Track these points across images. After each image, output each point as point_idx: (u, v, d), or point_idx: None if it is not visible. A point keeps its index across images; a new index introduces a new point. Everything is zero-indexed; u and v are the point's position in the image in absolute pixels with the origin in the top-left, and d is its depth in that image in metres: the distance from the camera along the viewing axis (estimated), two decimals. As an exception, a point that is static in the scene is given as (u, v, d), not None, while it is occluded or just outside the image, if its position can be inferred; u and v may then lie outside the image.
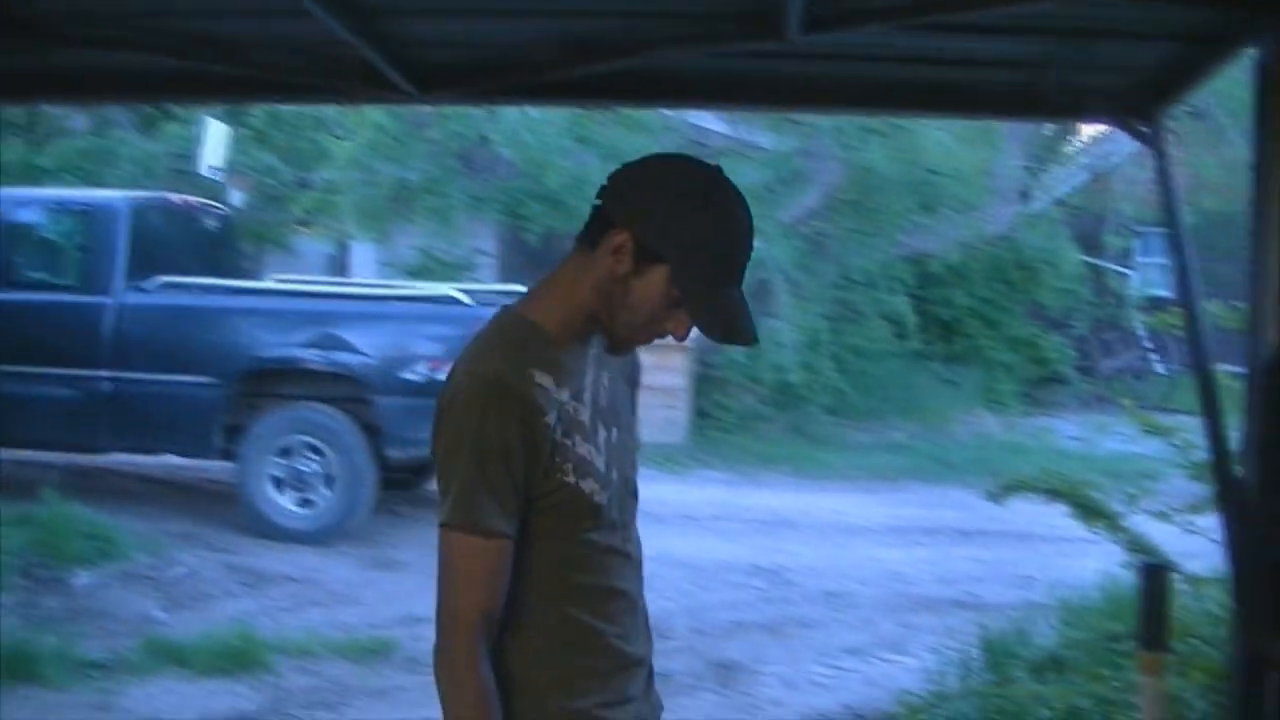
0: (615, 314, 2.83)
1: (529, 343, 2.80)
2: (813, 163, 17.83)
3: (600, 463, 2.86)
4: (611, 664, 2.92)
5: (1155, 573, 3.47)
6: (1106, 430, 16.38)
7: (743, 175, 17.85)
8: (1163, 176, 4.21)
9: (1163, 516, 6.59)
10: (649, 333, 2.87)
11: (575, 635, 2.86)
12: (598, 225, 2.82)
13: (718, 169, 2.86)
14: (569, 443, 2.78)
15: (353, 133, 18.22)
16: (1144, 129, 4.28)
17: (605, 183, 2.87)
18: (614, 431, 2.94)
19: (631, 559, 2.97)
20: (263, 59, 4.27)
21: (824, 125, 17.00)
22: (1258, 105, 3.61)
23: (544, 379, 2.76)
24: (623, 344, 2.90)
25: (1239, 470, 3.67)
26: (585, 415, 2.84)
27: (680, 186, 2.80)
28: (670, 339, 2.90)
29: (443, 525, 2.75)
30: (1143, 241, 22.04)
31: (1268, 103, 3.51)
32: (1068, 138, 23.07)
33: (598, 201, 2.85)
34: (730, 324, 2.84)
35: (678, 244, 2.75)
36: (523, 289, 11.36)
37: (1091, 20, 3.78)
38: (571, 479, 2.79)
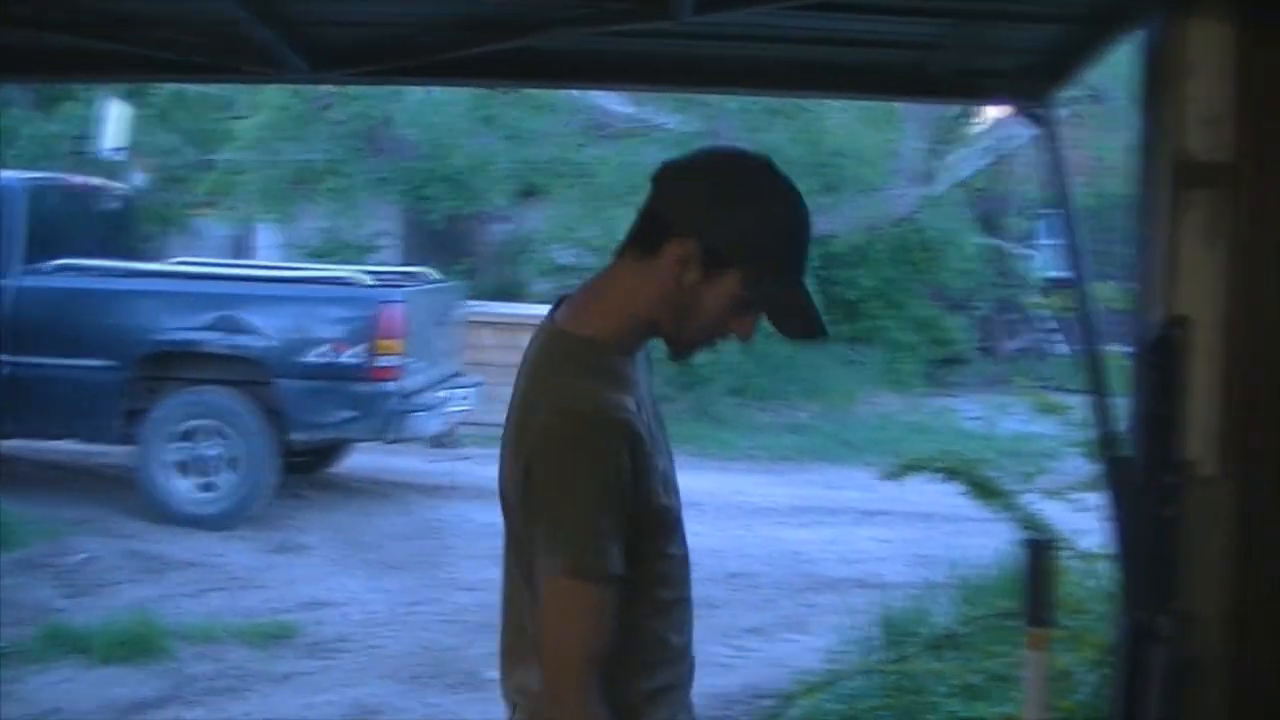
0: (682, 323, 2.77)
1: (603, 366, 2.73)
2: (717, 143, 17.85)
3: (670, 473, 2.82)
4: (684, 675, 2.90)
5: (1038, 548, 3.52)
6: (1007, 410, 16.53)
7: (647, 156, 17.95)
8: (1054, 158, 4.25)
9: (1055, 495, 6.67)
10: (714, 337, 2.83)
11: (660, 652, 2.81)
12: (653, 232, 2.74)
13: (768, 160, 2.80)
14: (653, 462, 2.72)
15: (255, 113, 18.09)
16: (1036, 111, 4.32)
17: (654, 185, 2.79)
18: (663, 435, 2.87)
19: (689, 563, 2.92)
20: (158, 37, 4.23)
21: (728, 106, 17.05)
22: (1144, 86, 3.65)
23: (629, 402, 2.69)
24: (687, 351, 2.84)
25: (1126, 448, 3.72)
26: (653, 428, 2.78)
27: (740, 186, 2.73)
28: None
29: (559, 574, 2.62)
30: (1045, 223, 22.24)
31: (1154, 84, 3.55)
32: (970, 120, 23.24)
33: (647, 204, 2.78)
34: (805, 321, 2.79)
35: (748, 248, 2.70)
36: (426, 270, 11.33)
37: (984, 2, 3.81)
38: (661, 498, 2.74)
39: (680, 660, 2.88)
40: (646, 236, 2.76)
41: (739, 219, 2.69)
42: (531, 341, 2.91)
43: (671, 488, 2.81)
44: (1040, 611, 3.43)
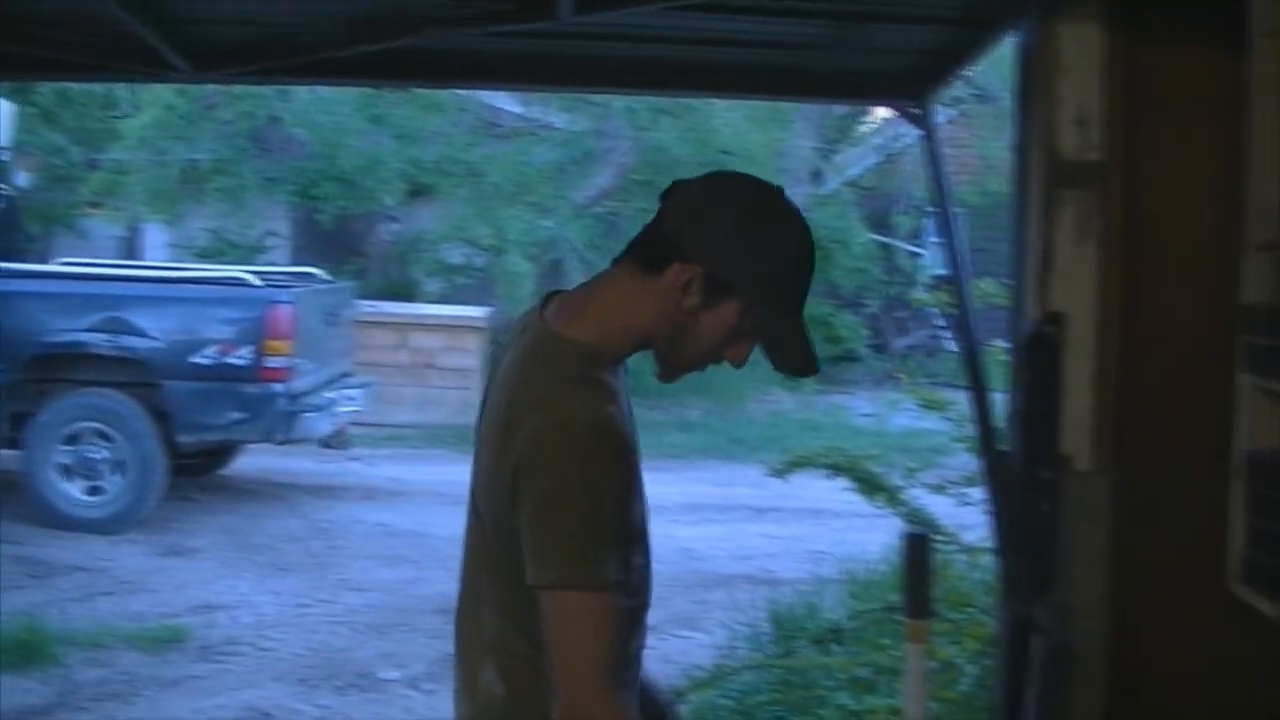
0: (677, 344, 2.77)
1: (595, 375, 2.72)
2: (605, 143, 17.90)
3: (644, 485, 2.80)
4: (637, 677, 2.90)
5: (916, 542, 3.57)
6: (897, 407, 16.62)
7: (536, 155, 17.97)
8: (933, 157, 4.32)
9: (939, 489, 6.74)
10: (707, 361, 2.83)
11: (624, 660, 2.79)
12: (659, 251, 2.74)
13: (780, 190, 2.80)
14: (637, 473, 2.70)
15: (141, 112, 17.91)
16: (916, 111, 4.38)
17: (664, 204, 2.79)
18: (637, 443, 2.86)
19: (650, 572, 2.91)
20: (39, 36, 4.19)
21: (616, 105, 17.07)
22: (1019, 88, 3.72)
23: (618, 412, 2.69)
24: (679, 371, 2.84)
25: (1005, 443, 3.78)
26: (634, 437, 2.77)
27: (750, 217, 2.73)
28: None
29: (560, 587, 2.60)
30: (932, 221, 22.41)
31: (1028, 85, 3.61)
32: (859, 119, 23.42)
33: (654, 222, 2.78)
34: (801, 356, 2.81)
35: (752, 280, 2.70)
36: (315, 270, 11.21)
37: (863, 4, 3.85)
38: (637, 510, 2.73)
39: (635, 663, 2.88)
40: (651, 254, 2.75)
41: (747, 251, 2.70)
42: (517, 334, 2.90)
43: (644, 499, 2.80)
44: (919, 604, 3.48)
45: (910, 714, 3.47)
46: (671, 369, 2.84)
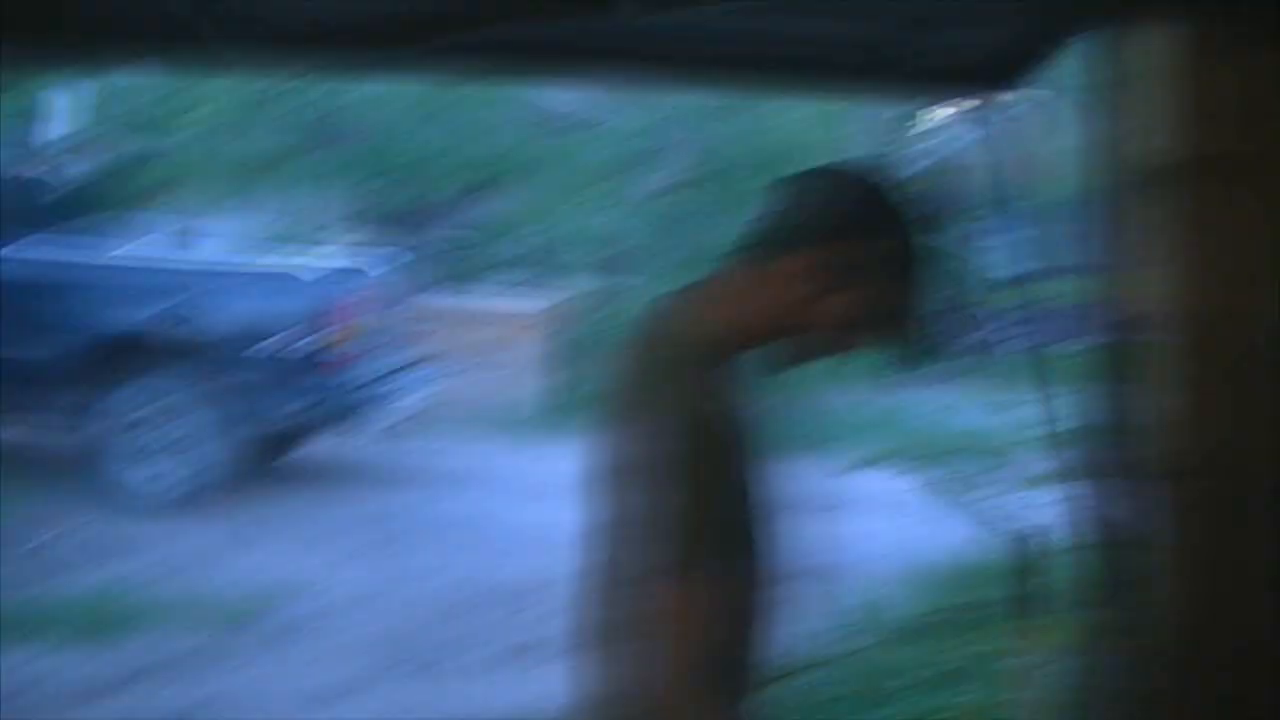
0: (792, 335, 2.79)
1: (715, 368, 2.71)
2: (663, 140, 17.86)
3: (767, 484, 2.82)
4: (753, 684, 2.87)
5: (1025, 541, 3.56)
6: (967, 405, 16.55)
7: (591, 153, 17.96)
8: (1000, 154, 4.29)
9: (1013, 488, 6.71)
10: (823, 352, 2.85)
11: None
12: (775, 243, 2.76)
13: (897, 183, 2.85)
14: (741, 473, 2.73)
15: (203, 102, 17.98)
16: (990, 108, 4.35)
17: (778, 196, 2.82)
18: (753, 444, 2.85)
19: None
20: (95, 25, 4.16)
21: (672, 104, 17.02)
22: (1102, 88, 3.69)
23: (735, 406, 2.70)
24: (794, 363, 2.86)
25: (1085, 444, 3.76)
26: (743, 436, 2.76)
27: (864, 208, 2.77)
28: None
29: (663, 578, 2.62)
30: (993, 221, 22.27)
31: (1110, 85, 3.59)
32: (916, 120, 23.34)
33: (769, 213, 2.80)
34: (918, 345, 2.86)
35: (868, 270, 2.73)
36: (378, 259, 11.22)
37: (932, 4, 3.83)
38: (747, 510, 2.73)
39: (748, 668, 2.83)
40: (767, 245, 2.77)
41: (861, 241, 2.72)
42: (645, 326, 2.91)
43: (766, 497, 2.80)
44: (1027, 603, 3.48)
45: (1017, 712, 3.48)
46: (787, 360, 2.85)
